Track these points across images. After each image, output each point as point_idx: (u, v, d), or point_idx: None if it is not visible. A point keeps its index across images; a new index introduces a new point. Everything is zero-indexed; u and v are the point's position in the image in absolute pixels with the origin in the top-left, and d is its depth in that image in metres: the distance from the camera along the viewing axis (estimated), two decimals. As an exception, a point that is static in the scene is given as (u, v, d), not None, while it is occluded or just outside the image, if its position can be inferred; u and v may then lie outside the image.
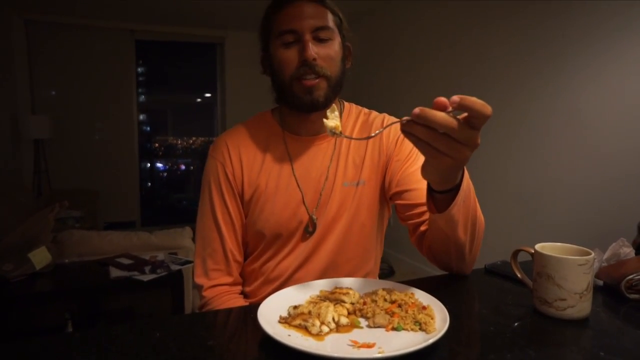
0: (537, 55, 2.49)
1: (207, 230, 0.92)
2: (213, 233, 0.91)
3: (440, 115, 0.52)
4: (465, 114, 0.53)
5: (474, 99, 0.52)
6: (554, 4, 2.36)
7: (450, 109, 0.52)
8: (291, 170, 0.91)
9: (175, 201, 5.77)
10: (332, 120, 0.64)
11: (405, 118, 0.55)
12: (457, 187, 0.66)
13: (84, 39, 4.58)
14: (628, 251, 0.79)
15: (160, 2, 4.06)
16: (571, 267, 0.62)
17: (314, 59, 0.81)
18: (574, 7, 2.26)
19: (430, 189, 0.69)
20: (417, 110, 0.52)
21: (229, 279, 0.91)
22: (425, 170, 0.64)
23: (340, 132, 0.64)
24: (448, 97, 0.53)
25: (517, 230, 2.68)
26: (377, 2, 4.03)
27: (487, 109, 0.52)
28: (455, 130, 0.53)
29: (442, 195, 0.67)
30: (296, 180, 0.90)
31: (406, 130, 0.55)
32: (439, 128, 0.53)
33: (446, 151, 0.55)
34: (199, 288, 0.92)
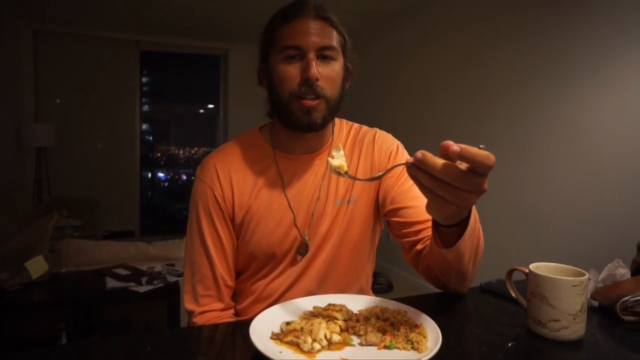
0: (537, 73, 2.51)
1: (196, 255, 0.89)
2: (202, 258, 0.88)
3: (440, 164, 0.50)
4: None
5: (474, 150, 0.50)
6: (553, 26, 2.39)
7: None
8: (283, 191, 0.89)
9: (176, 211, 5.76)
10: (337, 159, 0.63)
11: (409, 160, 0.53)
12: (463, 220, 0.65)
13: (89, 49, 4.63)
14: (623, 272, 0.79)
15: (166, 14, 4.12)
16: (565, 288, 0.62)
17: (317, 79, 0.80)
18: (572, 28, 2.28)
19: (435, 222, 0.68)
20: (419, 154, 0.51)
21: (220, 305, 0.89)
22: (429, 209, 0.61)
23: (346, 172, 0.63)
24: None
25: (515, 248, 2.66)
26: (378, 19, 4.08)
27: (489, 160, 0.50)
28: (458, 180, 0.51)
29: (448, 229, 0.66)
30: (288, 202, 0.88)
31: (410, 174, 0.54)
32: (440, 177, 0.51)
33: (449, 198, 0.53)
34: (189, 314, 0.89)
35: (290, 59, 0.81)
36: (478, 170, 0.51)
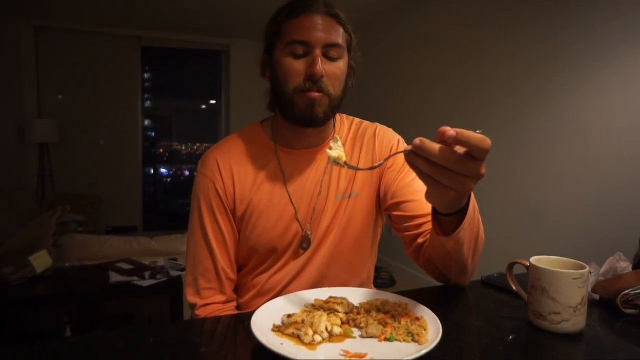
0: (540, 68, 2.49)
1: (198, 248, 0.89)
2: (204, 252, 0.89)
3: (437, 148, 0.51)
4: None
5: (470, 134, 0.50)
6: (558, 21, 2.38)
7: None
8: (284, 185, 0.89)
9: (178, 207, 5.78)
10: (336, 150, 0.64)
11: (407, 147, 0.54)
12: (463, 209, 0.65)
13: (91, 45, 4.64)
14: (625, 265, 0.79)
15: (167, 10, 4.11)
16: (565, 281, 0.62)
17: (322, 76, 0.80)
18: (576, 23, 2.27)
19: (435, 211, 0.68)
20: (417, 141, 0.52)
21: (222, 298, 0.89)
22: (428, 197, 0.62)
23: (345, 163, 0.63)
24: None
25: (516, 242, 2.66)
26: (380, 15, 4.06)
27: (485, 143, 0.51)
28: (456, 165, 0.52)
29: (448, 217, 0.66)
30: (289, 196, 0.89)
31: (409, 161, 0.55)
32: (438, 162, 0.52)
33: (448, 184, 0.54)
34: (192, 307, 0.90)
35: (296, 54, 0.81)
36: (475, 154, 0.52)
